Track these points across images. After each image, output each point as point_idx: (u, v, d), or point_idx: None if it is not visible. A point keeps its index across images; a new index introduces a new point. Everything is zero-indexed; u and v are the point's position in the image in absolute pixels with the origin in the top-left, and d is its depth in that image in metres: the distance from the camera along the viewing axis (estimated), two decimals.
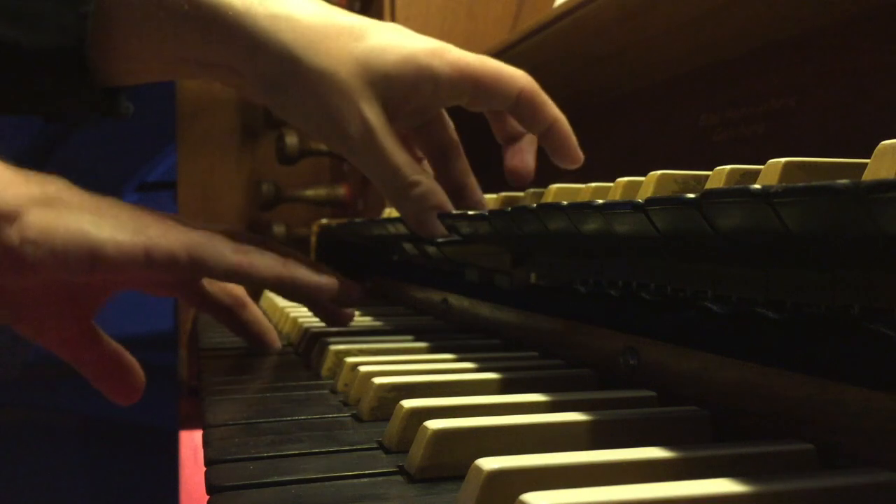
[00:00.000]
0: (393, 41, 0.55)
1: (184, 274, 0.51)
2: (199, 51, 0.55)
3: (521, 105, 0.57)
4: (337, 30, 0.54)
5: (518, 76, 0.57)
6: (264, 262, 0.52)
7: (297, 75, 0.53)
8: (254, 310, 0.63)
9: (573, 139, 0.58)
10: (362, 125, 0.54)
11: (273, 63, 0.53)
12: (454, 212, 0.54)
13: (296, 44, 0.53)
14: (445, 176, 0.61)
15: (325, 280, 0.55)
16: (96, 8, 0.53)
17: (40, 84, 0.55)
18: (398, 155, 0.55)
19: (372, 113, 0.54)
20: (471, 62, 0.56)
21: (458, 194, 0.60)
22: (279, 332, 0.74)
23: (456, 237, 0.55)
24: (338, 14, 0.56)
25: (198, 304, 0.61)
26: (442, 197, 0.56)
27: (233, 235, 0.54)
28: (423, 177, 0.55)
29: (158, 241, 0.48)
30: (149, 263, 0.48)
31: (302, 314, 0.73)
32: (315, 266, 0.56)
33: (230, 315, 0.62)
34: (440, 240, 0.55)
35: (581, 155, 0.58)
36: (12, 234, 0.45)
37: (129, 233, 0.48)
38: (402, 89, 0.55)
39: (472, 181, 0.61)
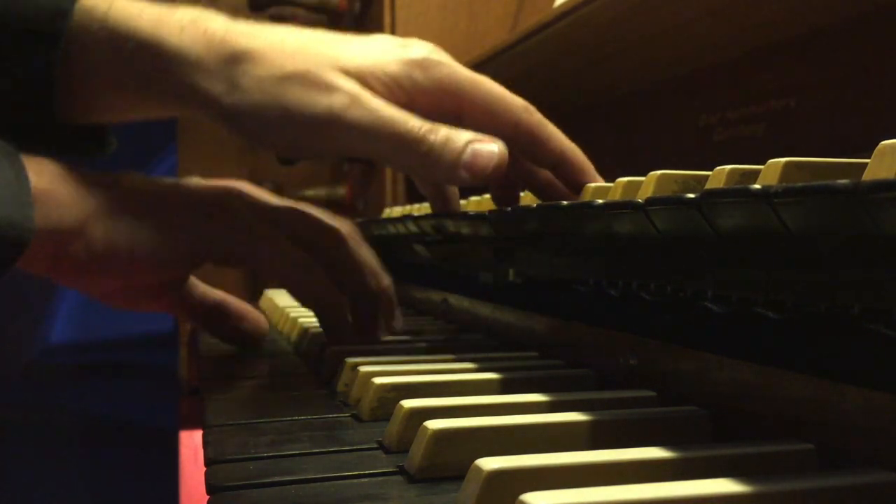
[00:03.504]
0: (375, 45, 0.51)
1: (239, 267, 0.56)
2: (168, 95, 0.51)
3: (519, 139, 0.50)
4: (311, 42, 0.50)
5: (517, 108, 0.50)
6: (308, 287, 0.55)
7: (269, 109, 0.48)
8: (237, 303, 0.63)
9: (587, 171, 0.52)
10: (341, 95, 0.47)
11: (241, 97, 0.48)
12: (454, 212, 0.54)
13: (263, 84, 0.48)
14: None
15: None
16: (65, 54, 0.50)
17: (7, 121, 0.52)
18: (395, 110, 0.48)
19: (349, 83, 0.47)
20: (460, 80, 0.50)
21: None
22: (279, 333, 0.74)
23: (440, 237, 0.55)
24: (319, 33, 0.51)
25: (184, 311, 0.60)
26: (469, 134, 0.48)
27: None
28: (436, 124, 0.48)
29: (218, 244, 0.52)
30: (207, 262, 0.53)
31: (302, 314, 0.73)
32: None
33: (216, 316, 0.61)
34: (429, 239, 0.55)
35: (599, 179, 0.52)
36: (79, 249, 0.48)
37: (189, 241, 0.51)
38: (378, 87, 0.48)
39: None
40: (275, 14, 1.29)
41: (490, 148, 0.47)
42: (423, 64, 0.50)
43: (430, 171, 0.48)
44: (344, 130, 0.47)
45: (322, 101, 0.47)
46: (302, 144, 0.49)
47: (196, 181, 0.56)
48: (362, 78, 0.48)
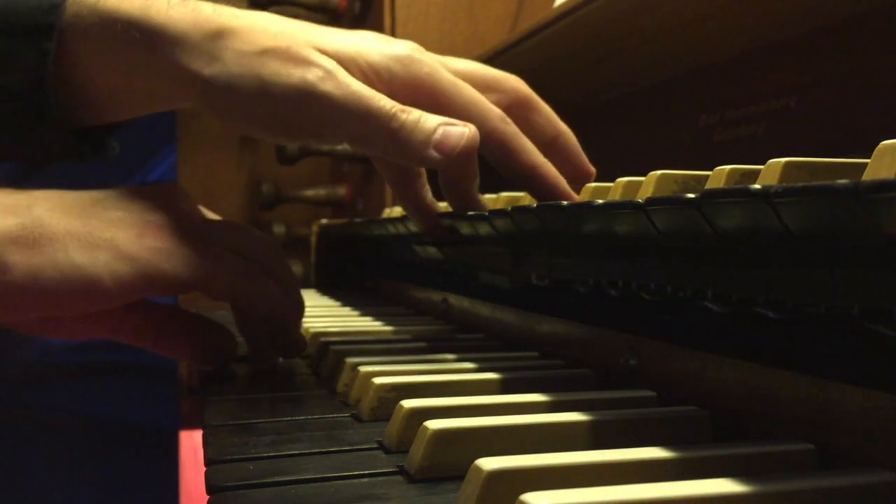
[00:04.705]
0: (359, 36, 0.51)
1: (185, 292, 0.49)
2: (156, 78, 0.51)
3: (491, 146, 0.51)
4: (294, 26, 0.50)
5: (492, 118, 0.51)
6: (267, 296, 0.50)
7: (245, 80, 0.47)
8: (192, 316, 0.56)
9: (558, 186, 0.52)
10: (316, 68, 0.47)
11: (219, 68, 0.48)
12: (453, 212, 0.54)
13: (242, 57, 0.48)
14: (403, 197, 0.57)
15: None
16: (58, 45, 0.49)
17: (5, 127, 0.52)
18: (368, 89, 0.48)
19: (326, 60, 0.48)
20: (440, 81, 0.50)
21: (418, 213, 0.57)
22: None
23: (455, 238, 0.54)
24: (297, 22, 0.51)
25: (127, 334, 0.54)
26: (441, 118, 0.48)
27: (244, 238, 0.52)
28: (408, 107, 0.48)
29: (161, 266, 0.46)
30: (149, 289, 0.46)
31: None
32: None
33: (168, 334, 0.55)
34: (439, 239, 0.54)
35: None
36: None
37: (127, 261, 0.45)
38: (356, 73, 0.49)
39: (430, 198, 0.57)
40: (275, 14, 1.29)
41: (461, 129, 0.48)
42: (404, 60, 0.50)
43: (400, 150, 0.48)
44: (316, 103, 0.47)
45: (297, 73, 0.47)
46: (274, 120, 0.49)
47: (125, 190, 0.50)
48: (341, 61, 0.48)
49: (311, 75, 0.47)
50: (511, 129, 0.51)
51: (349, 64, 0.49)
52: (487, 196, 0.62)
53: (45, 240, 0.43)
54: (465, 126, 0.48)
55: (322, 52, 0.48)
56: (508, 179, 0.54)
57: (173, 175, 1.44)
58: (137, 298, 0.47)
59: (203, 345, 0.54)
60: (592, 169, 0.55)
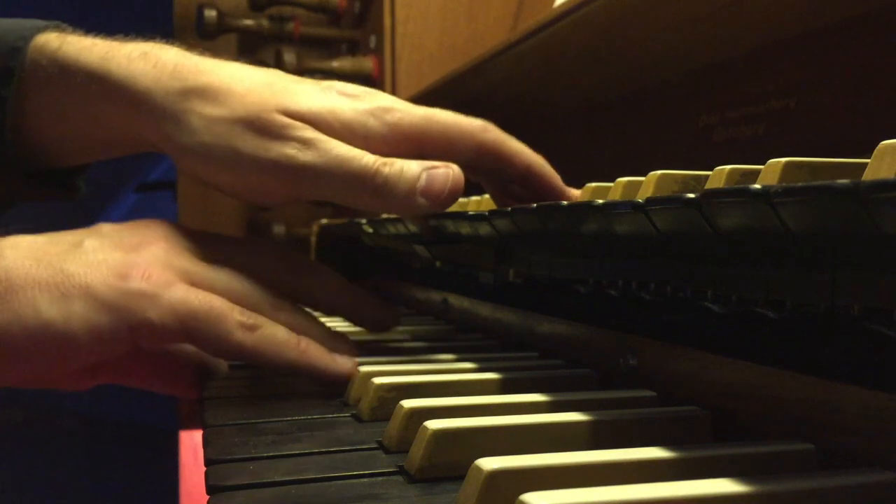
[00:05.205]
0: (326, 92, 0.49)
1: (177, 341, 0.44)
2: (118, 130, 0.50)
3: (483, 160, 0.51)
4: (262, 83, 0.48)
5: (474, 130, 0.50)
6: (273, 344, 0.45)
7: (221, 152, 0.46)
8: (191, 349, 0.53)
9: (554, 182, 0.52)
10: (293, 140, 0.46)
11: (191, 137, 0.46)
12: (453, 211, 0.54)
13: (213, 125, 0.46)
14: None
15: (339, 367, 0.46)
16: (17, 91, 0.49)
17: None
18: (348, 148, 0.47)
19: (301, 128, 0.47)
20: (413, 120, 0.49)
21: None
22: None
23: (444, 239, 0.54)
24: (271, 74, 0.50)
25: (130, 377, 0.53)
26: (423, 162, 0.47)
27: (258, 257, 0.49)
28: (389, 158, 0.47)
29: (146, 314, 0.41)
30: (134, 342, 0.42)
31: None
32: (334, 335, 0.49)
33: (173, 370, 0.53)
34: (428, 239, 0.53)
35: (570, 195, 0.53)
36: None
37: (105, 311, 0.40)
38: (331, 133, 0.47)
39: None
40: (275, 14, 1.29)
41: (444, 171, 0.47)
42: (375, 112, 0.49)
43: (388, 203, 0.47)
44: (298, 174, 0.46)
45: (275, 148, 0.46)
46: (255, 189, 0.48)
47: (109, 227, 0.46)
48: (315, 123, 0.47)
49: (291, 149, 0.46)
50: (497, 134, 0.51)
51: (322, 124, 0.47)
52: (473, 198, 0.62)
53: (11, 294, 0.40)
54: (447, 167, 0.47)
55: (293, 116, 0.47)
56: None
57: (173, 176, 1.43)
58: (122, 352, 0.43)
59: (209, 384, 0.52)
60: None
